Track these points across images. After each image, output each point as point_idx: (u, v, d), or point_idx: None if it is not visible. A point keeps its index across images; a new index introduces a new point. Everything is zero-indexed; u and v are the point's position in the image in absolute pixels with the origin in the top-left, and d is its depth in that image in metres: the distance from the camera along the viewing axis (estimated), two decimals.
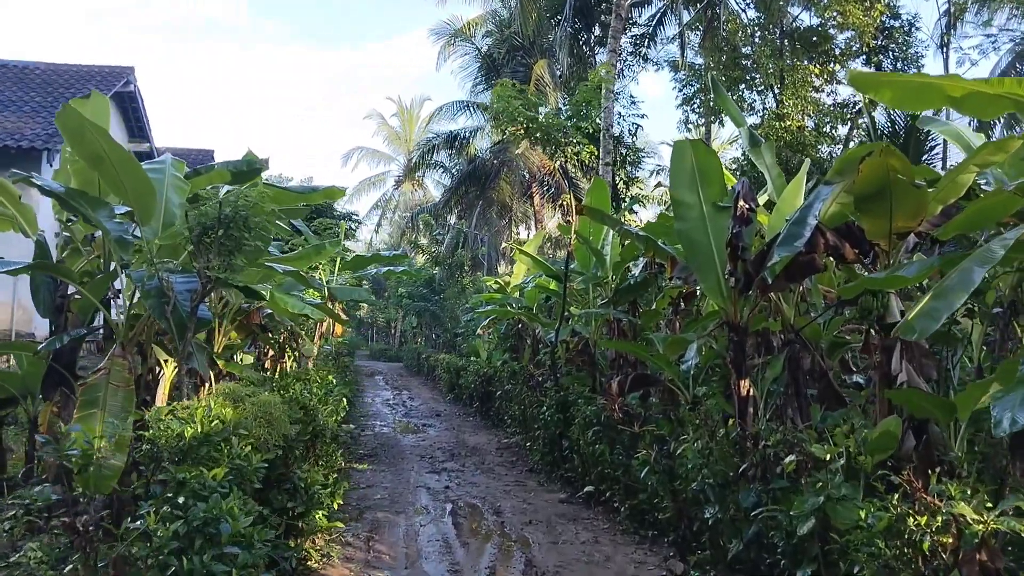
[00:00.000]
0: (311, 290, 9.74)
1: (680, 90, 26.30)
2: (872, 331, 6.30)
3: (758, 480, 5.71)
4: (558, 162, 9.73)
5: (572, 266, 11.97)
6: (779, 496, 5.32)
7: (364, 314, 69.73)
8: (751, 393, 6.88)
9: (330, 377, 9.28)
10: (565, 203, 7.02)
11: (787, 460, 5.04)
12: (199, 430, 4.09)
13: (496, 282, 16.41)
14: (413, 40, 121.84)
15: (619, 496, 7.83)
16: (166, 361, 8.36)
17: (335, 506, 6.45)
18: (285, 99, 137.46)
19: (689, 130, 27.53)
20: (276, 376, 10.02)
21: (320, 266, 13.05)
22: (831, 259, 6.79)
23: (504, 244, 12.77)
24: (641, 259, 11.52)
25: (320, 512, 6.06)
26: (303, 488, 5.70)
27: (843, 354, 7.65)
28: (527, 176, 27.34)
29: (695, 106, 25.34)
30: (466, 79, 28.75)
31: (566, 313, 11.41)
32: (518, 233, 35.42)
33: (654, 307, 12.27)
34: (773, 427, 5.75)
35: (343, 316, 13.54)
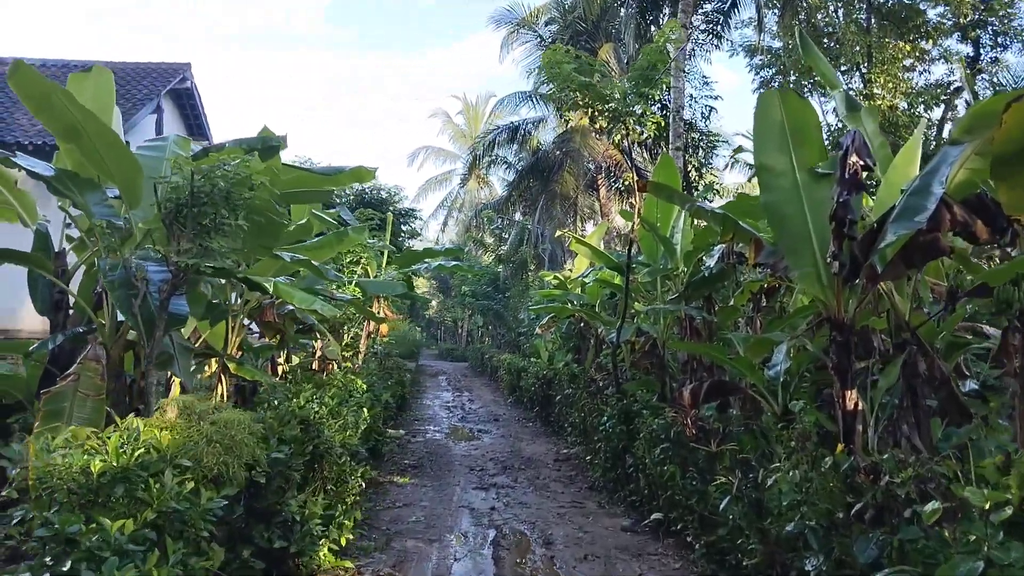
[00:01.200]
0: (341, 285, 8.76)
1: (756, 73, 24.59)
2: (1014, 329, 4.94)
3: (878, 525, 4.33)
4: (619, 137, 8.44)
5: (637, 257, 10.66)
6: (910, 551, 3.94)
7: (432, 313, 69.68)
8: (859, 407, 5.49)
9: (358, 382, 8.27)
10: (627, 182, 5.89)
11: (928, 509, 3.65)
12: (115, 462, 3.05)
13: (556, 277, 15.18)
14: (478, 42, 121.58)
15: (693, 529, 6.49)
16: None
17: (345, 541, 5.37)
18: (357, 105, 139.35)
19: None
20: (323, 378, 9.08)
21: (364, 260, 12.12)
22: (957, 239, 5.37)
23: (559, 232, 11.45)
24: (717, 248, 10.19)
25: (325, 549, 4.99)
26: (298, 523, 4.63)
27: (959, 357, 6.21)
28: (592, 167, 25.97)
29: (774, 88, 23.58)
30: (529, 67, 27.56)
31: (630, 310, 10.10)
32: (583, 230, 34.07)
33: (731, 303, 10.92)
34: (900, 457, 4.35)
35: (388, 314, 12.60)
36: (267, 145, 7.31)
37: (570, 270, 15.38)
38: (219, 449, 3.52)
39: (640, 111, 8.68)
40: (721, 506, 5.75)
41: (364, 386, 8.36)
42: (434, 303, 68.88)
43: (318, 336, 12.15)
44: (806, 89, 22.48)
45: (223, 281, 6.43)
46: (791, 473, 5.13)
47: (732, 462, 6.05)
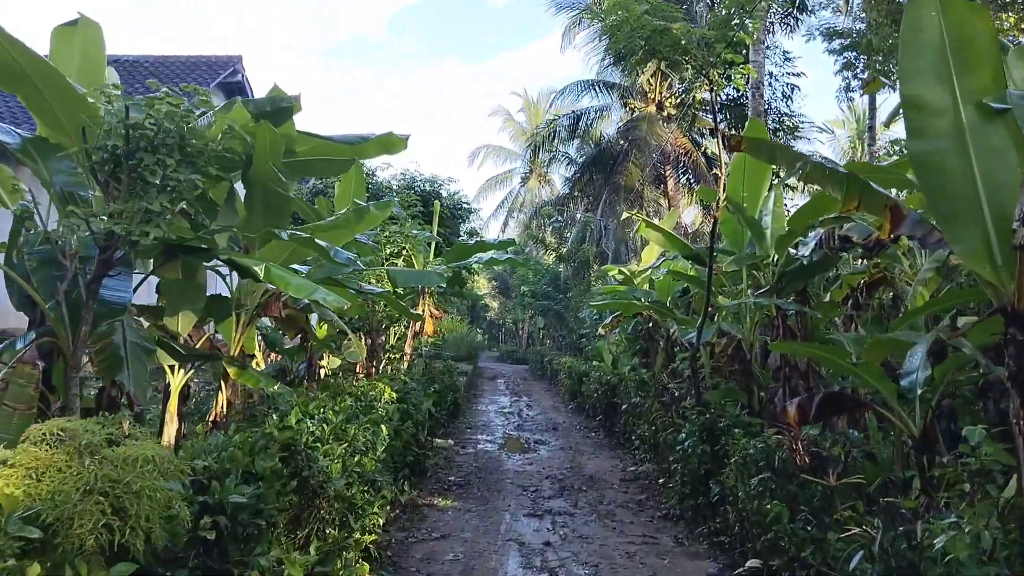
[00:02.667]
0: (363, 274, 7.52)
1: (840, 54, 22.59)
2: None
3: None
4: (700, 87, 6.87)
5: (718, 244, 9.14)
6: None
7: (493, 315, 68.68)
8: None
9: (387, 391, 6.99)
10: (721, 134, 4.61)
11: None
12: None
13: (621, 271, 13.67)
14: (542, 47, 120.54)
15: None
16: (173, 368, 6.38)
17: None
18: (424, 111, 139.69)
19: (850, 99, 23.75)
20: (345, 384, 7.88)
21: (407, 252, 10.90)
22: None
23: (627, 214, 9.96)
24: (812, 234, 8.62)
25: None
26: None
27: None
28: (659, 157, 24.29)
29: (858, 71, 21.54)
30: (591, 54, 26.03)
31: (711, 306, 8.56)
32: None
33: (827, 299, 9.30)
34: None
35: (434, 312, 11.34)
36: (277, 107, 6.12)
37: (637, 263, 13.86)
38: (104, 506, 2.27)
39: (729, 68, 7.14)
40: (852, 564, 4.22)
41: (393, 394, 7.09)
42: (495, 304, 67.97)
43: (360, 335, 11.01)
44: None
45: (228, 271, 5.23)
46: (966, 528, 3.60)
47: (869, 506, 4.51)
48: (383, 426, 5.12)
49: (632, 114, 25.54)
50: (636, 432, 11.26)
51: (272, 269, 4.67)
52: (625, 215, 9.29)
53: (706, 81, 6.92)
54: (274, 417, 4.35)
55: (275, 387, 5.52)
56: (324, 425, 4.52)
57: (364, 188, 12.77)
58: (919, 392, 5.20)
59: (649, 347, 14.02)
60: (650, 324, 13.90)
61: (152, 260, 4.93)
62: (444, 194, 18.52)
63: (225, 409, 6.03)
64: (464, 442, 13.18)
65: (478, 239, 15.87)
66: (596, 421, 15.42)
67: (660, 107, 24.91)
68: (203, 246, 4.73)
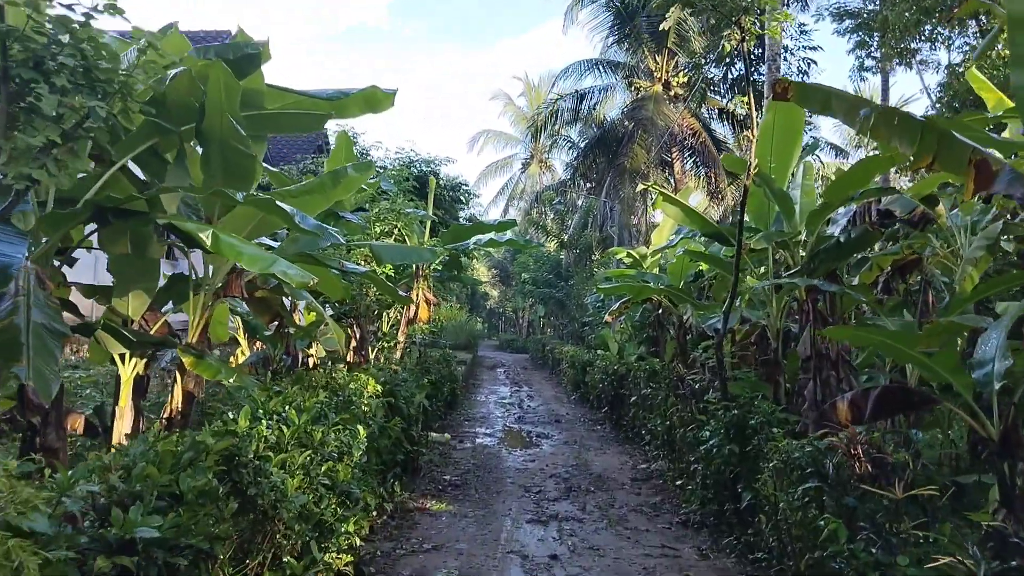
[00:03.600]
0: (340, 248, 6.65)
1: (852, 34, 21.65)
2: None
3: None
4: (729, 45, 6.01)
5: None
6: None
7: (493, 304, 67.84)
8: None
9: (371, 384, 6.10)
10: (774, 88, 3.91)
11: None
12: None
13: (629, 254, 12.81)
14: (543, 34, 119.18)
15: None
16: (124, 357, 5.54)
17: None
18: (423, 99, 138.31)
19: (863, 79, 22.80)
20: (322, 376, 7.02)
21: (399, 230, 10.02)
22: None
23: (643, 185, 9.06)
24: (842, 210, 7.84)
25: None
26: None
27: None
28: (666, 139, 23.36)
29: (871, 50, 20.60)
30: (596, 31, 25.04)
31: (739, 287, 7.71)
32: (653, 214, 31.43)
33: (855, 281, 8.52)
34: None
35: (428, 297, 10.48)
36: (241, 54, 5.26)
37: (646, 247, 13.02)
38: None
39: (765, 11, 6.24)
40: None
41: (378, 387, 6.22)
42: (495, 293, 67.09)
43: (352, 322, 10.18)
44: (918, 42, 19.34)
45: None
46: None
47: (957, 528, 3.68)
48: (361, 427, 4.27)
49: (638, 94, 24.58)
50: (647, 426, 10.44)
51: (221, 237, 3.82)
52: (641, 186, 8.43)
53: (736, 30, 6.04)
54: (227, 418, 3.51)
55: (232, 379, 4.66)
56: (283, 428, 3.67)
57: (355, 158, 11.92)
58: (996, 386, 4.37)
59: (659, 335, 13.19)
60: (659, 310, 13.06)
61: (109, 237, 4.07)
62: (442, 175, 17.61)
63: (182, 405, 5.19)
64: (462, 436, 12.37)
65: (477, 222, 14.99)
66: (601, 413, 14.60)
67: (667, 86, 23.96)
68: (141, 210, 3.87)
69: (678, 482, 7.95)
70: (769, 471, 5.38)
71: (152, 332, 5.64)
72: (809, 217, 7.53)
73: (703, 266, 11.08)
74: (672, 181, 24.59)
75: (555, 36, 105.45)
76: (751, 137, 6.63)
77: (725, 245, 8.38)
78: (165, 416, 5.40)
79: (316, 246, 5.55)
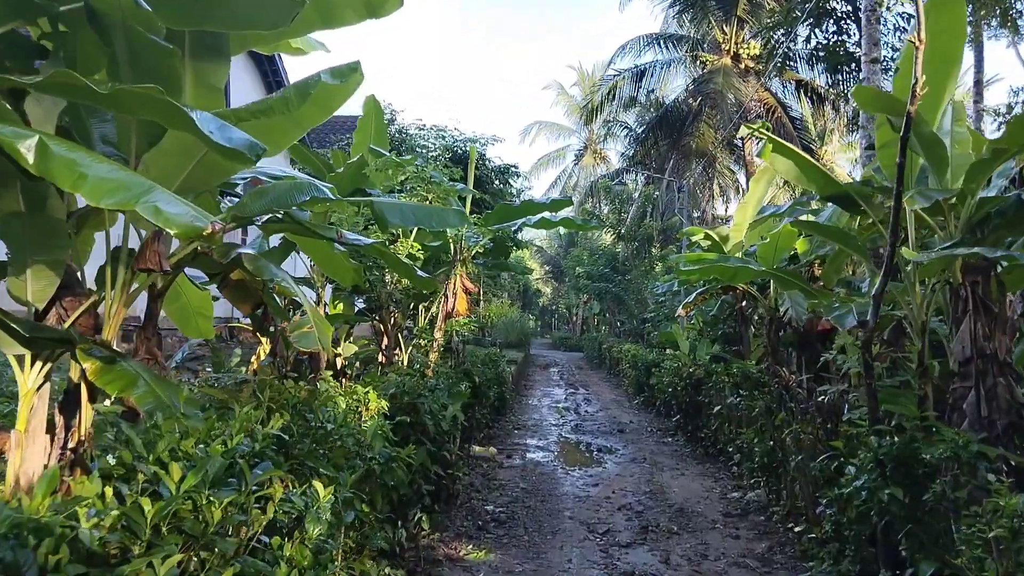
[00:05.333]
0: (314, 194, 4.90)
1: None
2: None
3: None
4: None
5: (881, 180, 6.39)
6: None
7: (546, 302, 66.06)
8: None
9: (373, 399, 4.31)
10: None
11: None
12: None
13: (707, 235, 10.81)
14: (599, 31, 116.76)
15: None
16: (22, 360, 3.94)
17: None
18: (474, 89, 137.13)
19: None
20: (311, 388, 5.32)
21: (430, 201, 8.29)
22: None
23: (745, 129, 7.13)
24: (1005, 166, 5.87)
25: None
26: None
27: None
28: (737, 117, 21.14)
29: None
30: (656, 1, 22.94)
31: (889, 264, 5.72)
32: (723, 204, 29.16)
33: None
34: None
35: (467, 286, 8.70)
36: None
37: (723, 221, 10.94)
38: None
39: None
40: None
41: (382, 403, 4.40)
42: (547, 290, 65.21)
43: (377, 316, 8.52)
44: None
45: None
46: None
47: None
48: (319, 485, 2.52)
49: (704, 68, 22.42)
50: (736, 443, 8.49)
51: (52, 150, 2.12)
52: (744, 130, 6.52)
53: None
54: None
55: (150, 399, 2.98)
56: (145, 503, 1.89)
57: (386, 136, 10.21)
58: None
59: (741, 331, 11.17)
60: (742, 302, 11.05)
61: None
62: (489, 155, 15.87)
63: (86, 433, 3.53)
64: (510, 449, 10.59)
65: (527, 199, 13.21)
66: (672, 422, 12.63)
67: (736, 59, 21.74)
68: None
69: (795, 528, 5.98)
70: (974, 536, 3.43)
71: (66, 324, 4.01)
72: (969, 171, 5.53)
73: (800, 247, 9.05)
74: (742, 164, 22.37)
75: (605, 30, 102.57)
76: (913, 41, 4.65)
77: (852, 210, 6.38)
78: (71, 447, 3.75)
79: (293, 199, 3.82)
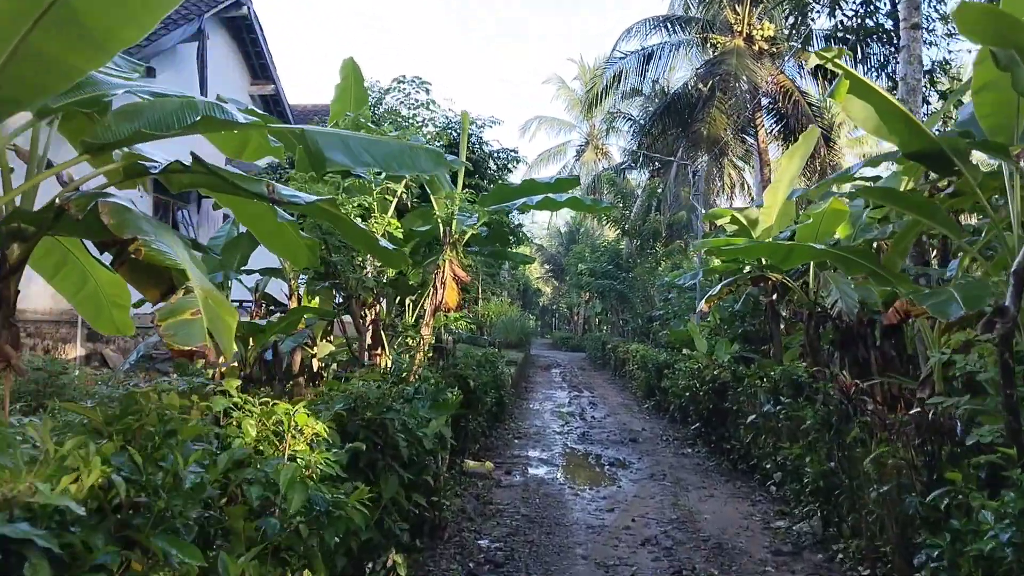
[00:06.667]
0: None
1: None
2: None
3: None
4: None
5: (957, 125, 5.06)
6: None
7: (546, 301, 64.65)
8: None
9: (303, 421, 3.05)
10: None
11: None
12: None
13: (734, 217, 9.48)
14: (599, 31, 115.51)
15: None
16: None
17: None
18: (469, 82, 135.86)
19: None
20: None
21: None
22: None
23: (815, 56, 5.81)
24: None
25: None
26: None
27: None
28: (750, 101, 19.80)
29: None
30: None
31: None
32: (724, 199, 27.77)
33: None
34: None
35: (458, 275, 7.33)
36: None
37: (751, 203, 9.59)
38: None
39: None
40: None
41: (322, 427, 3.07)
42: (547, 289, 63.76)
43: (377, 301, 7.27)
44: None
45: None
46: None
47: None
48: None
49: (715, 50, 21.08)
50: (776, 459, 7.17)
51: None
52: (813, 59, 5.12)
53: None
54: None
55: None
56: None
57: (366, 98, 8.91)
58: None
59: (774, 328, 9.85)
60: (773, 295, 9.72)
61: None
62: (486, 138, 14.46)
63: None
64: (509, 463, 9.26)
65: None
66: (690, 430, 11.29)
67: (749, 40, 20.40)
68: None
69: (854, 560, 4.63)
70: None
71: None
72: None
73: (842, 233, 7.73)
74: (756, 151, 21.00)
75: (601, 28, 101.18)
76: None
77: (942, 172, 5.06)
78: None
79: (179, 121, 2.52)
